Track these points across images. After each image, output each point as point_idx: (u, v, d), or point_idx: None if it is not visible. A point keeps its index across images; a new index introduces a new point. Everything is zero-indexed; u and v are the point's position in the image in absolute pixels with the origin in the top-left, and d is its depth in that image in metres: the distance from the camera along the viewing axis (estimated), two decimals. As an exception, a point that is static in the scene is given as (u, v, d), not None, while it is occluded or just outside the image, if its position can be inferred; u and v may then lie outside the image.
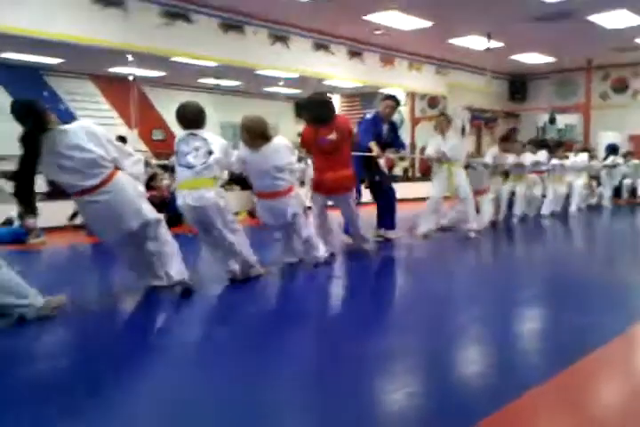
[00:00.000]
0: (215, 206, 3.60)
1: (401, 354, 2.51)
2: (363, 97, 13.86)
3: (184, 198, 3.60)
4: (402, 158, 5.59)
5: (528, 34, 9.14)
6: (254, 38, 8.28)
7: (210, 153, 3.58)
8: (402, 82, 11.04)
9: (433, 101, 12.65)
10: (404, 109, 13.17)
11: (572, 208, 8.31)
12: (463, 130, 12.24)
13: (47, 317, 2.95)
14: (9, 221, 5.97)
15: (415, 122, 13.10)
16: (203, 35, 7.64)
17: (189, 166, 3.58)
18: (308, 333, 2.91)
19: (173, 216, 6.38)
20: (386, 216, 5.66)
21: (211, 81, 11.59)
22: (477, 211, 6.28)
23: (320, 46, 9.25)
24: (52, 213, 5.88)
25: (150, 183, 6.63)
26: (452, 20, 8.44)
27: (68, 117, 10.65)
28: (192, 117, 3.69)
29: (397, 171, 12.41)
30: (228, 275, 3.87)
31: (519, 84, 13.34)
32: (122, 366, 2.40)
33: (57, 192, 5.84)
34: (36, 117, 3.04)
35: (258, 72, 9.44)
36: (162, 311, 3.36)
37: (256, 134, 3.92)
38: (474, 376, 2.29)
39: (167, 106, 11.99)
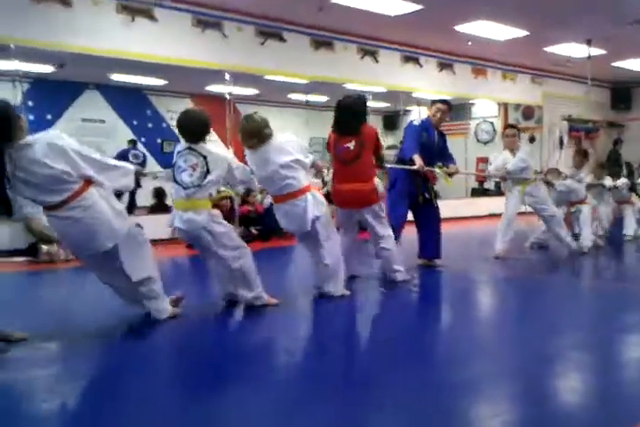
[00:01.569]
0: (205, 230, 3.38)
1: (494, 380, 2.39)
2: (452, 109, 13.59)
3: (174, 218, 3.45)
4: (451, 175, 4.95)
5: (632, 39, 8.60)
6: (344, 53, 8.42)
7: (207, 173, 3.35)
8: (494, 92, 10.75)
9: (528, 112, 12.17)
10: (495, 121, 12.79)
11: None
12: (561, 142, 11.68)
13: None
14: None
15: (508, 133, 12.64)
16: (294, 52, 7.86)
17: (183, 185, 3.38)
18: (381, 361, 2.86)
19: (265, 231, 6.57)
20: (432, 242, 4.98)
21: (300, 97, 11.84)
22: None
23: (409, 59, 9.22)
24: (155, 226, 6.21)
25: (246, 199, 6.86)
26: (548, 29, 8.12)
27: (171, 135, 11.28)
28: (193, 129, 3.43)
29: (489, 184, 12.04)
30: (225, 297, 3.70)
31: (622, 93, 12.55)
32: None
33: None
34: (6, 125, 2.82)
35: (346, 86, 9.54)
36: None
37: (247, 133, 3.61)
38: (573, 407, 2.15)
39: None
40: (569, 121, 11.79)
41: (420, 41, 8.98)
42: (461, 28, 8.02)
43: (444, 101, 5.11)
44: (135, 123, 10.70)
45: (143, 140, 10.40)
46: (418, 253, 5.09)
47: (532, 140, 11.98)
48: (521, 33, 8.26)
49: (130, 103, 10.57)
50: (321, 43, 8.12)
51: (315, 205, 3.66)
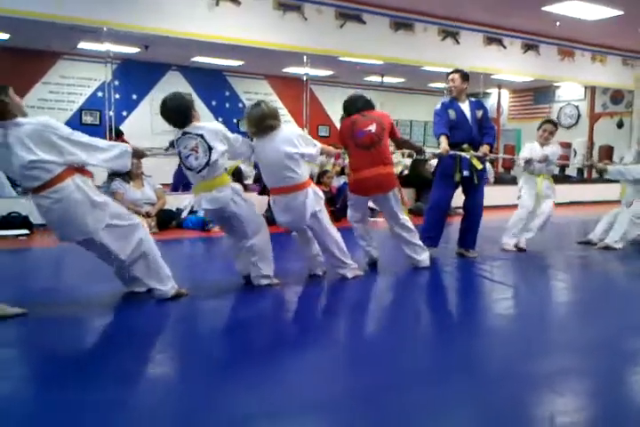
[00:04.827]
0: (232, 203, 3.46)
1: (574, 375, 2.35)
2: (535, 91, 13.05)
3: (200, 202, 3.50)
4: (480, 158, 4.64)
5: None
6: (424, 35, 8.23)
7: (210, 149, 3.35)
8: (581, 75, 10.20)
9: (617, 95, 11.50)
10: (581, 104, 12.17)
11: None
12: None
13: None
14: (193, 211, 6.56)
15: (594, 118, 12.02)
16: (373, 34, 7.76)
17: (195, 170, 3.41)
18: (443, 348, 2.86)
19: (338, 211, 6.62)
20: (469, 230, 4.83)
21: (376, 78, 11.73)
22: None
23: (492, 40, 8.90)
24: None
25: (320, 180, 6.92)
26: (646, 7, 7.59)
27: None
28: (176, 116, 3.38)
29: (570, 171, 11.53)
30: (244, 274, 3.73)
31: None
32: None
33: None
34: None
35: (424, 68, 9.35)
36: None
37: (248, 121, 3.59)
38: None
39: (332, 103, 12.38)
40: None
41: (504, 22, 8.63)
42: (550, 8, 7.62)
43: (453, 71, 4.80)
44: (214, 103, 10.98)
45: (220, 119, 10.64)
46: (458, 241, 4.92)
47: (620, 125, 11.34)
48: (615, 13, 7.76)
49: (209, 84, 10.84)
50: (401, 24, 7.97)
51: (314, 200, 3.65)
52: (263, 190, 6.39)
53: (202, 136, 3.35)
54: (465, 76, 4.75)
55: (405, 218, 4.18)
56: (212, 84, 10.91)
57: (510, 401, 2.08)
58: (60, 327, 2.90)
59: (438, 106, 4.73)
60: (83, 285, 3.76)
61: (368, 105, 4.14)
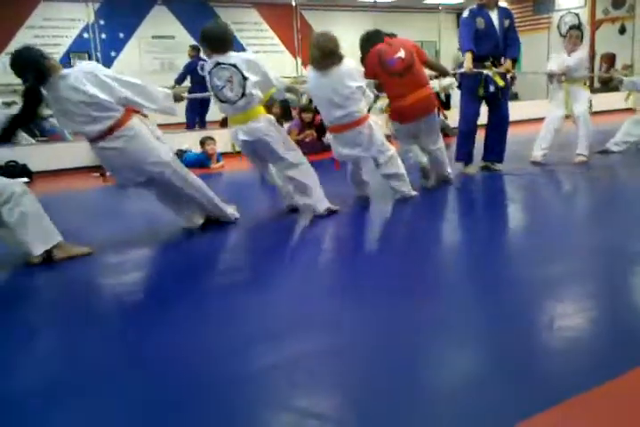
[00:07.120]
0: (268, 137, 3.44)
1: (576, 278, 2.43)
2: (534, 1, 12.53)
3: (236, 133, 3.49)
4: (504, 74, 4.67)
5: None
6: (414, -53, 7.85)
7: (244, 79, 3.31)
8: (581, -20, 9.78)
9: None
10: (581, 11, 11.72)
11: None
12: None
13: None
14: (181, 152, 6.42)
15: (596, 25, 11.62)
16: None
17: (229, 101, 3.38)
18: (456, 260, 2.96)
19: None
20: (495, 144, 4.91)
21: (369, -2, 11.27)
22: None
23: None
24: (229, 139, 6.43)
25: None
26: None
27: (237, 46, 11.16)
28: (218, 38, 3.37)
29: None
30: (288, 207, 3.82)
31: None
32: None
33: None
34: (37, 70, 2.87)
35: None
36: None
37: (326, 52, 3.55)
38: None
39: (325, 28, 11.99)
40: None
41: None
42: None
43: None
44: (203, 37, 10.64)
45: (212, 54, 10.38)
46: (483, 155, 5.05)
47: (622, 31, 10.99)
48: None
49: (197, 17, 10.43)
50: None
51: (379, 131, 3.75)
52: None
53: (235, 66, 3.30)
54: None
55: (441, 140, 4.33)
56: (200, 16, 10.46)
57: (513, 307, 2.14)
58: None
59: (466, 13, 4.66)
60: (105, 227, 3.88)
61: (387, 34, 4.13)
